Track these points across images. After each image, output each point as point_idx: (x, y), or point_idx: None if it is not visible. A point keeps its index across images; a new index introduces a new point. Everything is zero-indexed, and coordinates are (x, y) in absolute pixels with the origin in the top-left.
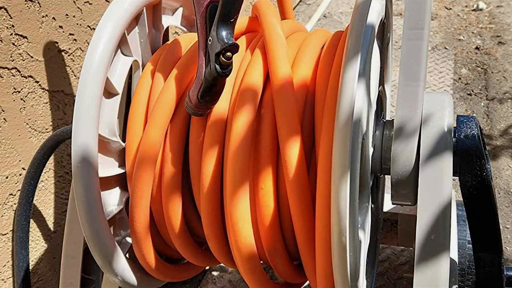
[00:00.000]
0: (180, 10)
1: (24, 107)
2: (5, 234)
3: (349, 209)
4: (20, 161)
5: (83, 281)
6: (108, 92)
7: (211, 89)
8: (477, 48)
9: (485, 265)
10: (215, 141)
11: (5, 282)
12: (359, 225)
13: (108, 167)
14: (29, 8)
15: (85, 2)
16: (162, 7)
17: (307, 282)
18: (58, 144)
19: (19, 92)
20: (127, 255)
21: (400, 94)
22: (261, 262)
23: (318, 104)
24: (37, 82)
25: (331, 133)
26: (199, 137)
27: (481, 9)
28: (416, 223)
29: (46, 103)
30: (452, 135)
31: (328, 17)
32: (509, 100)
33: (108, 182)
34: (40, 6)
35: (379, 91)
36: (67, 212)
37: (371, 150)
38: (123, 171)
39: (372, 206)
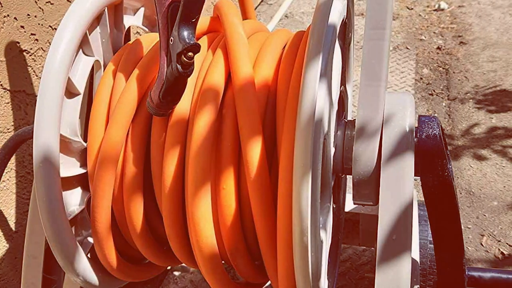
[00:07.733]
0: (142, 10)
1: None
2: None
3: (310, 209)
4: None
5: (45, 281)
6: (70, 92)
7: (173, 89)
8: (438, 48)
9: (447, 265)
10: (177, 141)
11: None
12: (321, 225)
13: (69, 167)
14: None
15: (46, 2)
16: (123, 7)
17: (269, 282)
18: (19, 144)
19: None
20: (88, 255)
21: (361, 94)
22: (223, 262)
23: (280, 104)
24: None
25: (293, 133)
26: (161, 137)
27: (442, 9)
28: (377, 223)
29: (8, 103)
30: (414, 135)
31: (290, 17)
32: (471, 100)
33: (69, 182)
34: (2, 6)
35: (340, 91)
36: (29, 212)
37: (332, 150)
38: (84, 171)
39: (334, 206)
